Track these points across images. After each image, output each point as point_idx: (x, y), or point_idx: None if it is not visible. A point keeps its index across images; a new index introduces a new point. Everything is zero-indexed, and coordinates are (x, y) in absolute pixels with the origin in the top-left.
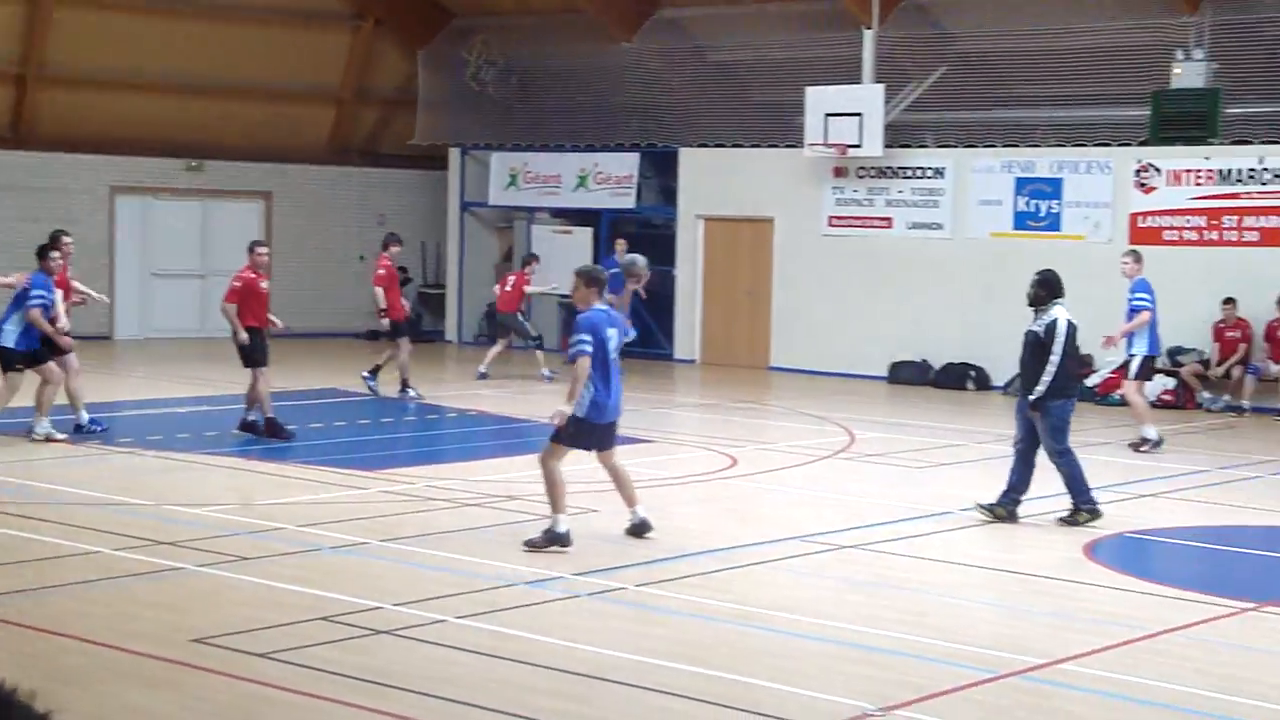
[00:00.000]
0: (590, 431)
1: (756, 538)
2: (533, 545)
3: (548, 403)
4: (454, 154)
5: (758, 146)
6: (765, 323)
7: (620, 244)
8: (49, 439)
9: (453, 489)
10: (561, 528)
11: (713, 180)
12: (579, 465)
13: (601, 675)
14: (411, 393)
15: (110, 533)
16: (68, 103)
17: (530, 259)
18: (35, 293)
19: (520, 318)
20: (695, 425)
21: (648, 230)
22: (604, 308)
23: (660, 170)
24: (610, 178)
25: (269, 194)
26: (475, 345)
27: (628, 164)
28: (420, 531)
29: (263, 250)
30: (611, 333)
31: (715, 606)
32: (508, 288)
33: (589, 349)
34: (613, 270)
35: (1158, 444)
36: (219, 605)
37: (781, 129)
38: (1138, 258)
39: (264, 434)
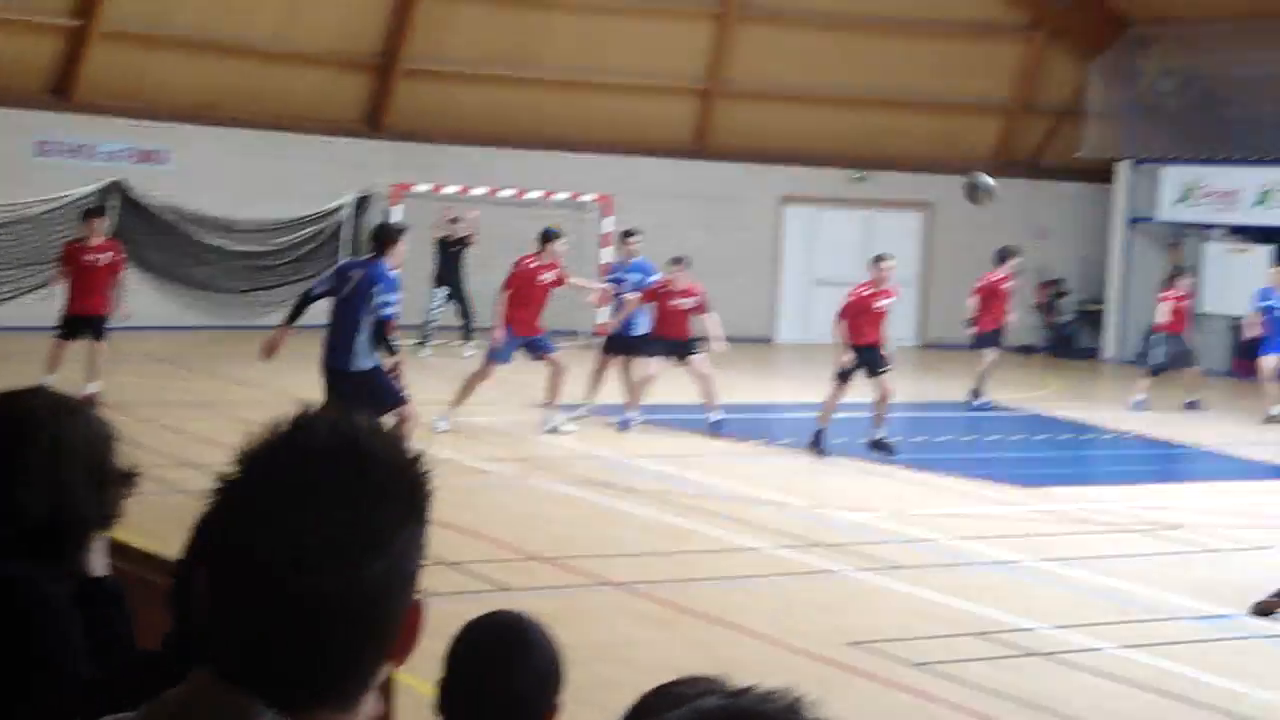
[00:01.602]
0: None
1: None
2: (1261, 609)
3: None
4: (1123, 167)
5: None
6: None
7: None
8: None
9: (1111, 512)
10: None
11: None
12: (1249, 498)
13: None
14: (977, 401)
15: (769, 529)
16: (745, 116)
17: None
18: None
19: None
20: None
21: None
22: None
23: None
24: None
25: (931, 205)
26: (1134, 364)
27: None
28: (1077, 553)
29: (886, 264)
30: None
31: None
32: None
33: None
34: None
35: None
36: (873, 611)
37: None
38: None
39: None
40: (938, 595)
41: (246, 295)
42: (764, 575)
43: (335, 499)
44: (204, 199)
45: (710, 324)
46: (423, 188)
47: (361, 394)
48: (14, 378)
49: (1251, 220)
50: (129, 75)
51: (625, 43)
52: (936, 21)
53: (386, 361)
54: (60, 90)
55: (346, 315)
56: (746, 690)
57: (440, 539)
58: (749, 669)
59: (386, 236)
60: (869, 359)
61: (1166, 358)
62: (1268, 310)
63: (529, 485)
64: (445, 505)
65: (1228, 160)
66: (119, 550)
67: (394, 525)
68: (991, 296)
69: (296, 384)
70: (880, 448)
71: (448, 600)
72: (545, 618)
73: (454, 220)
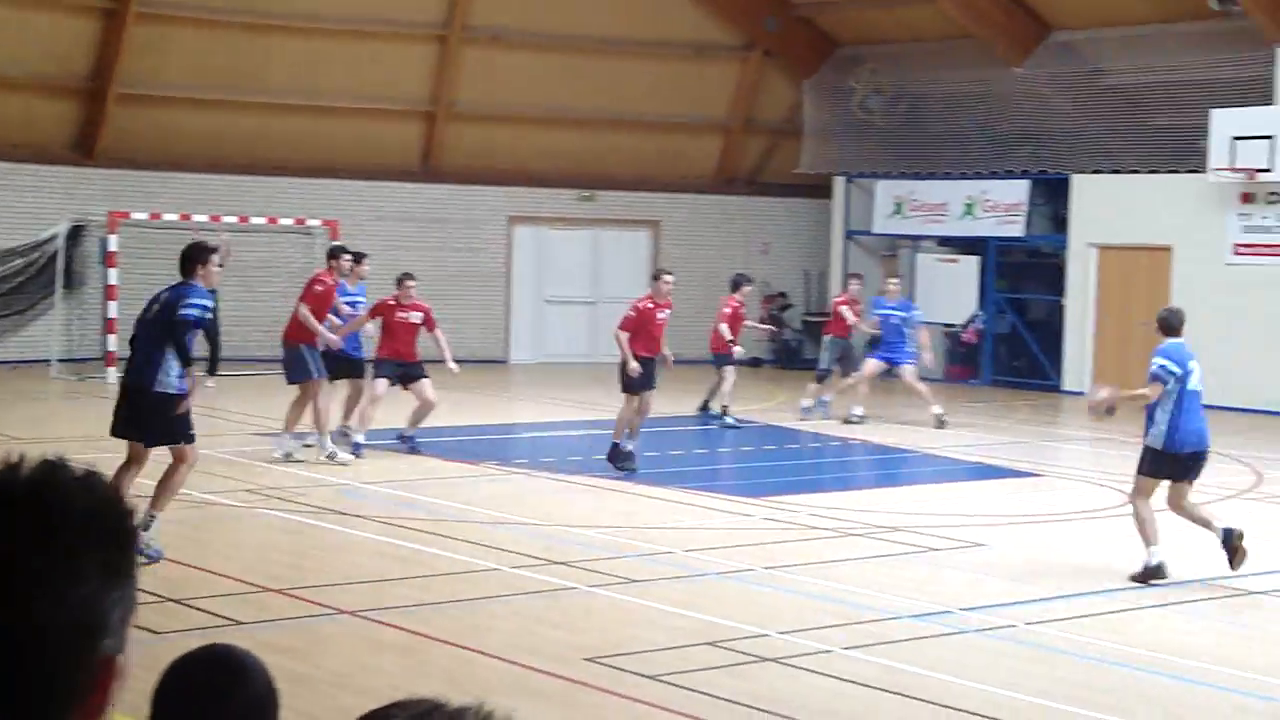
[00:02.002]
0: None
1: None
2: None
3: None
4: (839, 182)
5: (1156, 172)
6: None
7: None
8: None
9: (836, 518)
10: (1154, 560)
11: (1107, 208)
12: (966, 499)
13: (988, 714)
14: (720, 415)
15: (507, 550)
16: (472, 138)
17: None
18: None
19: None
20: (1086, 459)
21: (1036, 259)
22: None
23: (1051, 198)
24: (998, 205)
25: (657, 223)
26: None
27: (1017, 191)
28: (804, 560)
29: (668, 279)
30: (1193, 365)
31: (1112, 649)
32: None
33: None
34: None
35: None
36: (610, 626)
37: (1182, 154)
38: None
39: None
40: (672, 607)
41: None
42: (502, 596)
43: (11, 541)
44: None
45: (441, 341)
46: (140, 215)
47: (158, 416)
48: None
49: (958, 232)
50: None
51: (348, 65)
52: (657, 43)
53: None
54: None
55: (150, 336)
56: (438, 707)
57: (167, 575)
58: (489, 689)
59: (195, 257)
60: (647, 371)
61: (833, 362)
62: (883, 318)
63: (258, 516)
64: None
65: (934, 175)
66: None
67: (75, 571)
68: (734, 320)
69: (10, 424)
70: (623, 459)
71: (176, 639)
72: (281, 650)
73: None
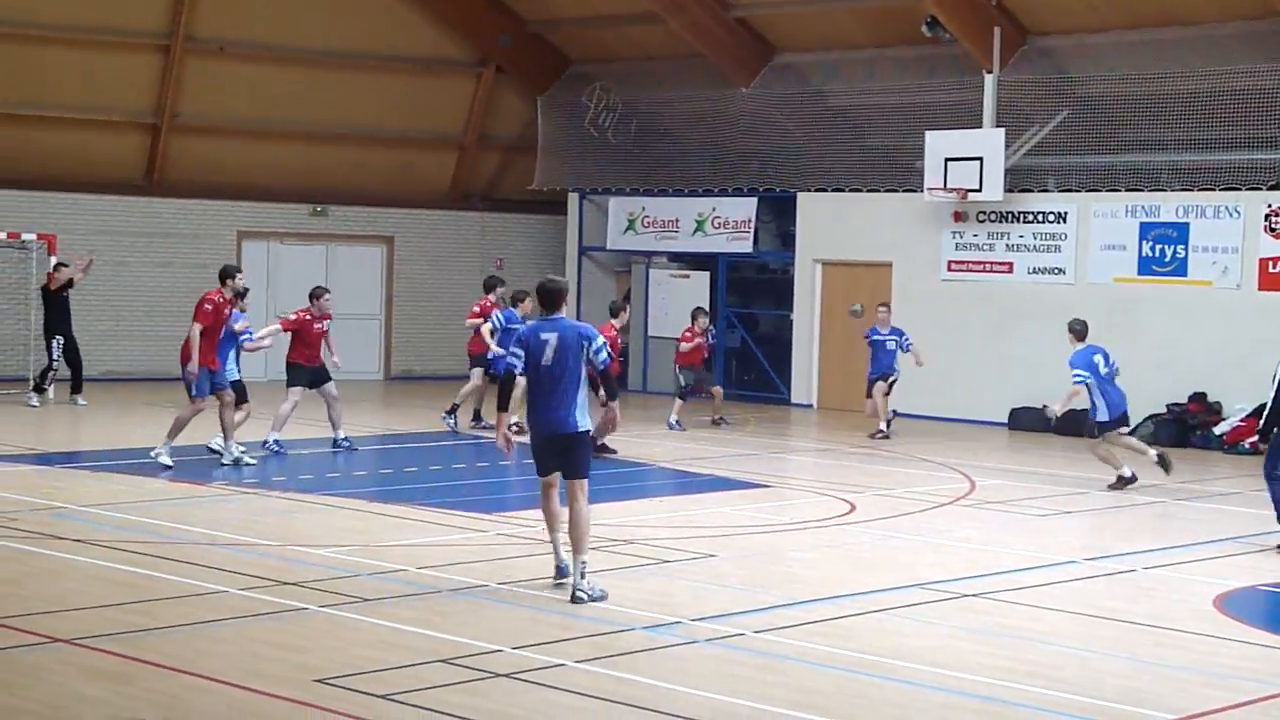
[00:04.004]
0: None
1: (876, 584)
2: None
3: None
4: (573, 199)
5: (876, 191)
6: None
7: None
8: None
9: None
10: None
11: (831, 225)
12: (699, 510)
13: None
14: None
15: (235, 573)
16: (198, 151)
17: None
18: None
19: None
20: (812, 470)
21: (765, 275)
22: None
23: (778, 215)
24: (728, 222)
25: (391, 238)
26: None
27: (746, 208)
28: (537, 575)
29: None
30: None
31: (836, 654)
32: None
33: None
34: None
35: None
36: (341, 646)
37: (900, 173)
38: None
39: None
40: (405, 625)
41: None
42: (228, 618)
43: None
44: None
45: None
46: None
47: None
48: None
49: (691, 248)
50: None
51: (67, 73)
52: (389, 57)
53: None
54: None
55: None
56: None
57: None
58: (211, 715)
59: None
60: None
61: (688, 384)
62: (878, 343)
63: None
64: None
65: (665, 191)
66: None
67: None
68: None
69: None
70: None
71: None
72: None
73: (59, 266)
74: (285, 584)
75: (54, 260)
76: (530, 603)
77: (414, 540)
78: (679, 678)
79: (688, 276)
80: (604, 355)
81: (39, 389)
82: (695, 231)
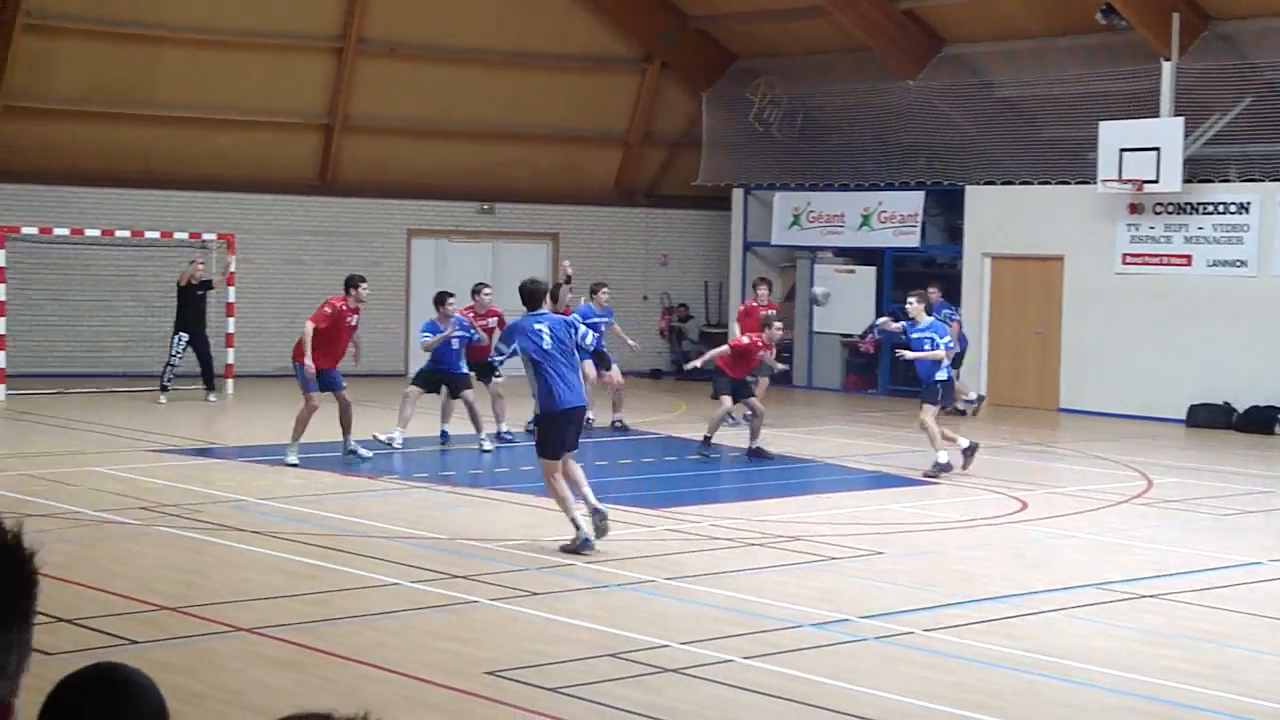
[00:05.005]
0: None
1: (1049, 584)
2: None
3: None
4: (737, 194)
5: (1047, 183)
6: (1054, 363)
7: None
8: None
9: (737, 529)
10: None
11: (1000, 218)
12: (862, 508)
13: None
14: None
15: (407, 565)
16: (369, 151)
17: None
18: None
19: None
20: (982, 467)
21: (932, 269)
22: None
23: (946, 208)
24: (894, 216)
25: (556, 235)
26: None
27: (912, 202)
28: (705, 570)
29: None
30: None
31: (1006, 654)
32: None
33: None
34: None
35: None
36: (511, 639)
37: (1072, 165)
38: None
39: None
40: (574, 619)
41: None
42: (401, 610)
43: None
44: None
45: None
46: (30, 230)
47: None
48: None
49: (856, 243)
50: None
51: (243, 77)
52: (556, 56)
53: None
54: None
55: None
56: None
57: (59, 595)
58: (384, 704)
59: None
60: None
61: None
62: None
63: (153, 533)
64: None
65: (831, 186)
66: None
67: None
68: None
69: None
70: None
71: (68, 659)
72: (173, 669)
73: (198, 264)
74: (456, 577)
75: (193, 259)
76: (698, 598)
77: None
78: (848, 675)
79: (853, 271)
80: (590, 338)
81: (162, 386)
82: (861, 226)
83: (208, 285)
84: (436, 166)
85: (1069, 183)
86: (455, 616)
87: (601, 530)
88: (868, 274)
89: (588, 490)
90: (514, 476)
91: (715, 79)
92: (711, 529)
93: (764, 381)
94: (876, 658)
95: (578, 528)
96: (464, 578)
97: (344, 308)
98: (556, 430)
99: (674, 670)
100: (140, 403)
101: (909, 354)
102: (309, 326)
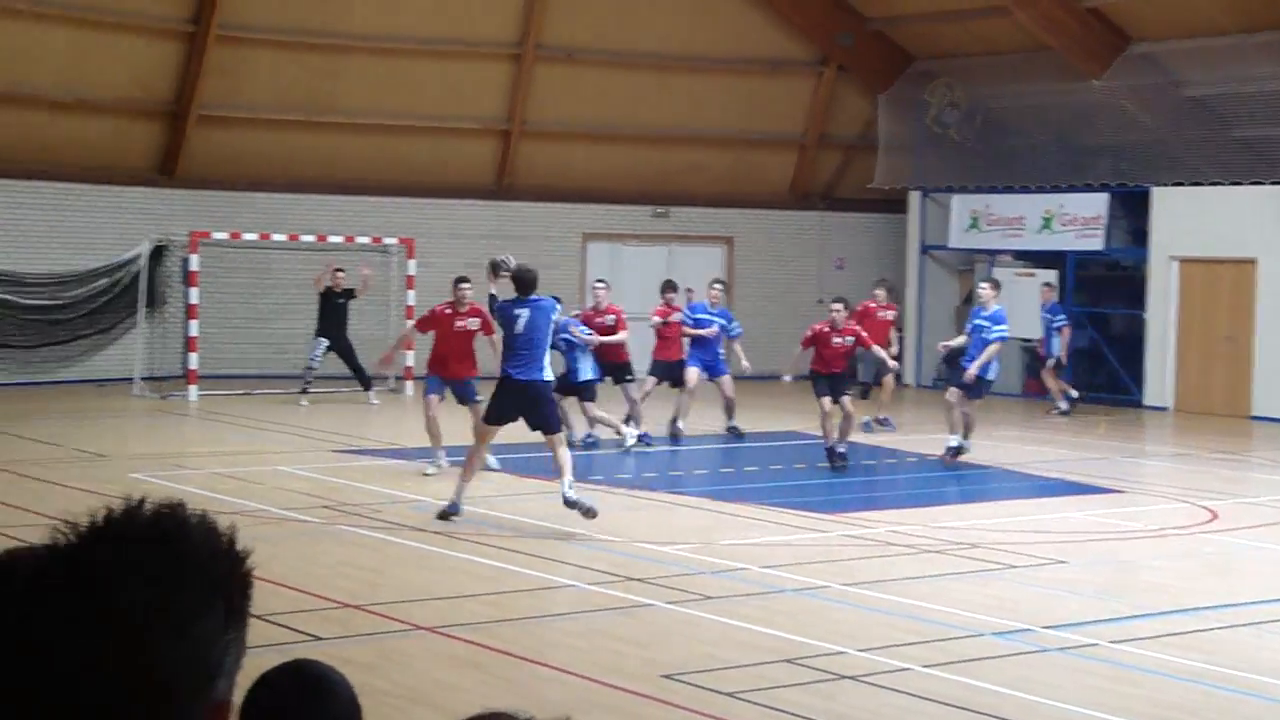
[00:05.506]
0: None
1: (1243, 597)
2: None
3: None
4: (914, 197)
5: (1239, 184)
6: (1246, 369)
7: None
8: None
9: (914, 535)
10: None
11: (1188, 220)
12: (1047, 515)
13: None
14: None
15: (582, 567)
16: (545, 155)
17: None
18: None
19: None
20: (1171, 476)
21: (1116, 272)
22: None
23: (1130, 210)
24: (1077, 219)
25: (730, 239)
26: (934, 389)
27: (1096, 204)
28: (881, 577)
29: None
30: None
31: (1198, 668)
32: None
33: None
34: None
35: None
36: (686, 642)
37: (1266, 165)
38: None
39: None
40: (748, 624)
41: (38, 351)
42: (576, 612)
43: (137, 581)
44: None
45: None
46: (221, 235)
47: None
48: None
49: (1036, 246)
50: None
51: (422, 84)
52: (730, 59)
53: None
54: None
55: None
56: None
57: None
58: (562, 705)
59: None
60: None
61: (872, 377)
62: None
63: (336, 532)
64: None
65: (1011, 188)
66: None
67: (196, 612)
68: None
69: (93, 441)
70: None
71: (257, 654)
72: (357, 666)
73: (339, 271)
74: (630, 579)
75: (329, 264)
76: (874, 605)
77: (756, 539)
78: (1030, 686)
79: (1033, 275)
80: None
81: (304, 390)
82: (1042, 229)
83: (350, 294)
84: (612, 170)
85: (1262, 183)
86: (630, 619)
87: (589, 513)
88: (1049, 277)
89: (566, 479)
90: (689, 480)
91: (892, 81)
92: (888, 535)
93: (889, 382)
94: (1060, 669)
95: (457, 494)
96: (639, 580)
97: (444, 311)
98: (497, 399)
99: (850, 677)
100: (324, 404)
101: (973, 369)
102: (408, 324)
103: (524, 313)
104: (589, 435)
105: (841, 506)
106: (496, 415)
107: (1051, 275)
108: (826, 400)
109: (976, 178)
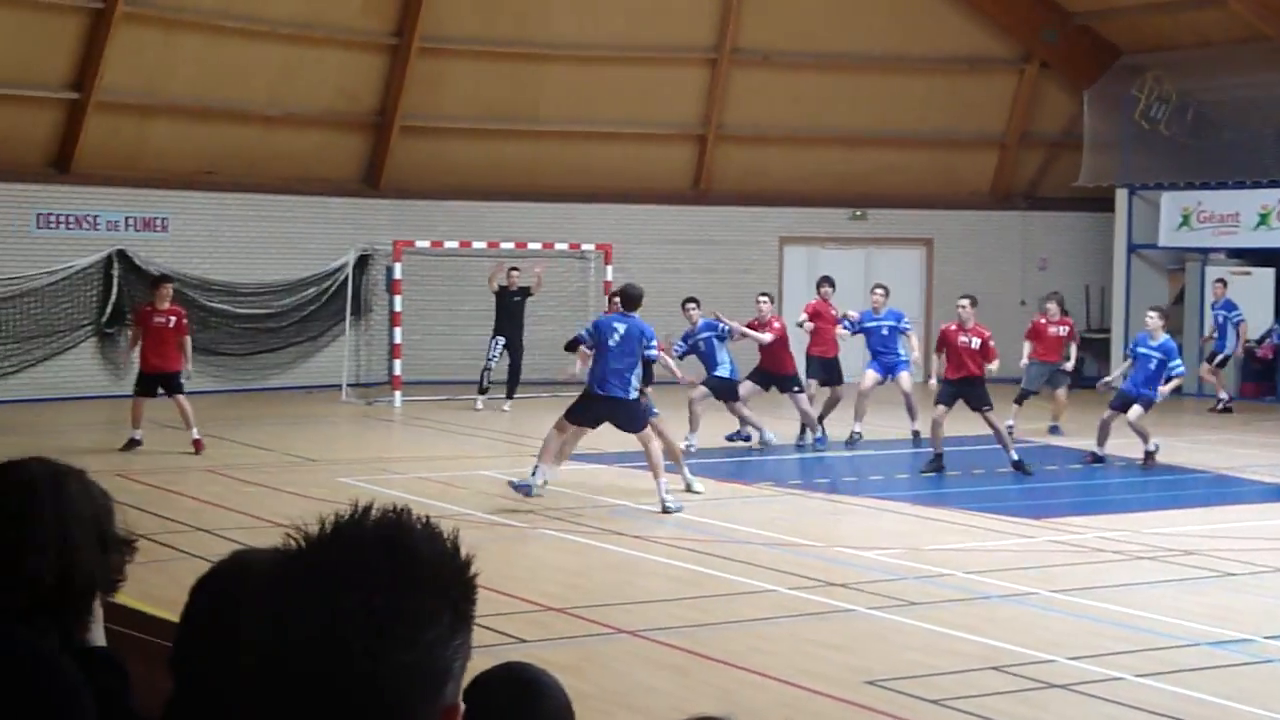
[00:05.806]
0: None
1: None
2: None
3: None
4: (1121, 195)
5: None
6: None
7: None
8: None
9: (1125, 541)
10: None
11: None
12: (1263, 522)
13: None
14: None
15: (783, 572)
16: (742, 159)
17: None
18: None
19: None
20: None
21: None
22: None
23: None
24: None
25: (930, 240)
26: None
27: None
28: (1090, 584)
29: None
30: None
31: None
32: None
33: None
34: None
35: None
36: (890, 649)
37: None
38: None
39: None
40: (954, 630)
41: (251, 358)
42: (779, 617)
43: (368, 587)
44: (206, 264)
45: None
46: (423, 243)
47: None
48: (20, 449)
49: (1252, 243)
50: (127, 144)
51: (620, 91)
52: (929, 58)
53: None
54: (59, 162)
55: None
56: None
57: None
58: (767, 711)
59: None
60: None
61: (1033, 384)
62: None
63: (539, 535)
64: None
65: (1225, 184)
66: (119, 611)
67: (425, 617)
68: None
69: (302, 446)
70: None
71: None
72: (560, 668)
73: (513, 270)
74: (832, 585)
75: (500, 262)
76: (1084, 612)
77: (960, 544)
78: (1249, 698)
79: (1249, 274)
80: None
81: (481, 389)
82: (1258, 225)
83: (526, 292)
84: (809, 173)
85: None
86: (833, 624)
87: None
88: (1265, 276)
89: (661, 480)
90: (890, 485)
91: (1098, 76)
92: (1097, 541)
93: (1060, 394)
94: None
95: (533, 472)
96: (841, 585)
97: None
98: (583, 403)
99: (1061, 686)
100: (521, 409)
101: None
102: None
103: (621, 327)
104: (738, 432)
105: (1047, 511)
106: (579, 417)
107: (1268, 274)
108: (941, 408)
109: (1188, 173)
